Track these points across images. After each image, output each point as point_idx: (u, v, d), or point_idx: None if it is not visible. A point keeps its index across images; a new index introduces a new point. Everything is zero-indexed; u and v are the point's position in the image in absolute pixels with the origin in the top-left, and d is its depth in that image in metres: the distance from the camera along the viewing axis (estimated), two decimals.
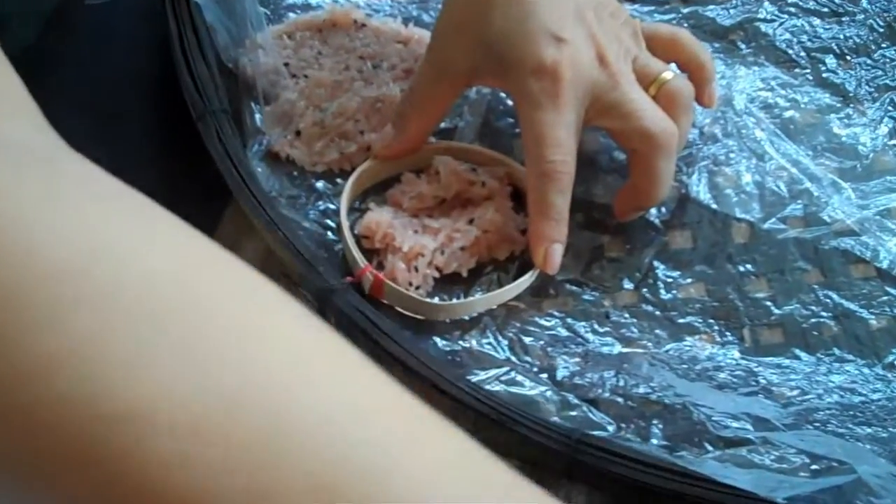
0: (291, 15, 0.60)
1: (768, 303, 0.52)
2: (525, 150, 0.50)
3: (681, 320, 0.51)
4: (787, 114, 0.59)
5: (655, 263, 0.53)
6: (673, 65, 0.54)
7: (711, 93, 0.55)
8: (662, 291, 0.52)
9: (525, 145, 0.50)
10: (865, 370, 0.50)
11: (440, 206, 0.53)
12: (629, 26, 0.52)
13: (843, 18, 0.64)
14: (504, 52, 0.50)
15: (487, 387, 0.47)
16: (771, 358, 0.50)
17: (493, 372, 0.48)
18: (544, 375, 0.48)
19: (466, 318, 0.50)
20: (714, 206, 0.55)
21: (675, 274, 0.53)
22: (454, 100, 0.53)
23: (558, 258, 0.50)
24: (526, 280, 0.50)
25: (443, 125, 0.56)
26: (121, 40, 0.60)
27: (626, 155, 0.54)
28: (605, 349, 0.50)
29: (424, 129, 0.54)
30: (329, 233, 0.52)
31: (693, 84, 0.53)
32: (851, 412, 0.48)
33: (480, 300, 0.50)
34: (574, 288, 0.52)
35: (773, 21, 0.63)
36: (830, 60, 0.62)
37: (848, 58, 0.62)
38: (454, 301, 0.50)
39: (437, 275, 0.51)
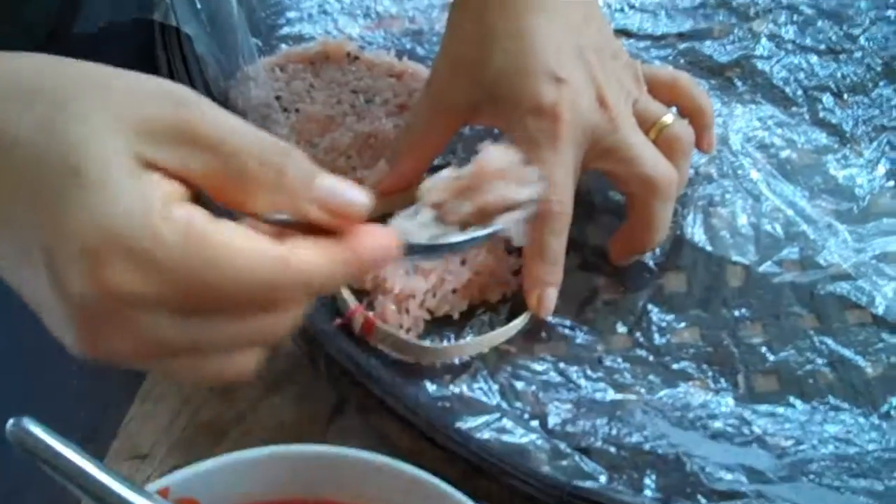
0: (284, 46, 0.60)
1: (763, 349, 0.51)
2: None
3: (675, 366, 0.50)
4: (784, 154, 0.59)
5: (649, 307, 0.52)
6: (673, 108, 0.53)
7: (711, 139, 0.54)
8: (656, 336, 0.51)
9: None
10: (861, 419, 0.49)
11: None
12: (630, 68, 0.52)
13: (841, 56, 0.63)
14: (503, 91, 0.49)
15: (477, 434, 0.46)
16: (765, 406, 0.49)
17: (483, 419, 0.47)
18: (535, 422, 0.47)
19: (457, 361, 0.49)
20: (709, 248, 0.55)
21: (670, 317, 0.52)
22: (450, 137, 0.53)
23: (552, 303, 0.49)
24: (518, 323, 0.50)
25: (436, 162, 0.55)
26: None
27: (623, 197, 0.53)
28: (597, 395, 0.49)
29: (419, 166, 0.53)
30: None
31: (692, 128, 0.52)
32: (846, 463, 0.47)
33: (471, 343, 0.49)
34: (567, 331, 0.51)
35: (769, 58, 0.63)
36: (827, 99, 0.61)
37: (845, 96, 0.61)
38: (445, 344, 0.50)
39: (427, 317, 0.50)
